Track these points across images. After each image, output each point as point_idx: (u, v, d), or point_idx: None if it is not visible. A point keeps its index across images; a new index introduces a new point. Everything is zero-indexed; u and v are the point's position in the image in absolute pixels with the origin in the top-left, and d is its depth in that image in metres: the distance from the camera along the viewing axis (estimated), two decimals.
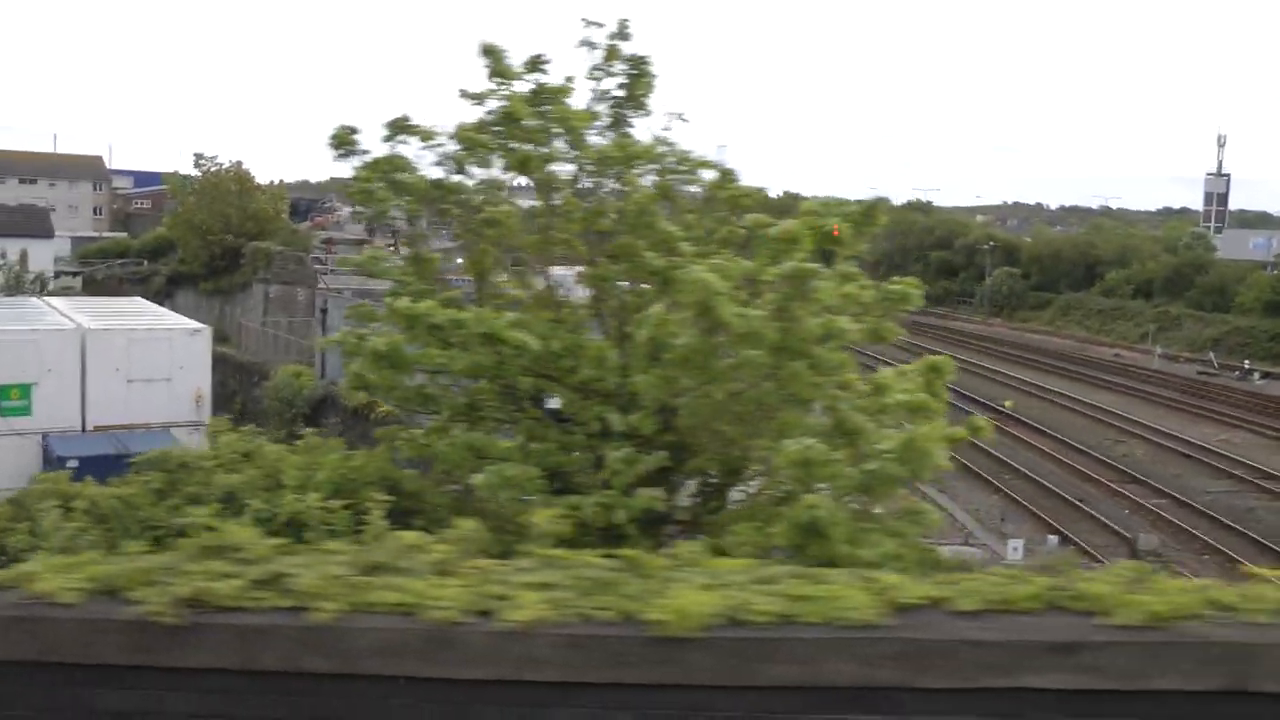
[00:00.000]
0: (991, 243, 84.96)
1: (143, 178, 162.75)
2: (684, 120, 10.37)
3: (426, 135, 9.67)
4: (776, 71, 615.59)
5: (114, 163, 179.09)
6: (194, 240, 55.58)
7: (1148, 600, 3.16)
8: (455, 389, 9.32)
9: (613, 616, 3.20)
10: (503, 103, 9.46)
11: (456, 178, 9.92)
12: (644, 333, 8.04)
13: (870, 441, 7.63)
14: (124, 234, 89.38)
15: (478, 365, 8.49)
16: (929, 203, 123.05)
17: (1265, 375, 57.00)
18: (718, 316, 7.53)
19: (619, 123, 10.20)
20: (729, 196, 10.69)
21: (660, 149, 9.98)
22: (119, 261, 69.62)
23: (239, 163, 57.50)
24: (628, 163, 9.36)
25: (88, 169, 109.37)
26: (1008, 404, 46.86)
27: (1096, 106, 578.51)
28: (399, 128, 9.71)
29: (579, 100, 10.08)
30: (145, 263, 68.01)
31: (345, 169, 10.37)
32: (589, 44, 9.91)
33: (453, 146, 9.62)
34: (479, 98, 9.64)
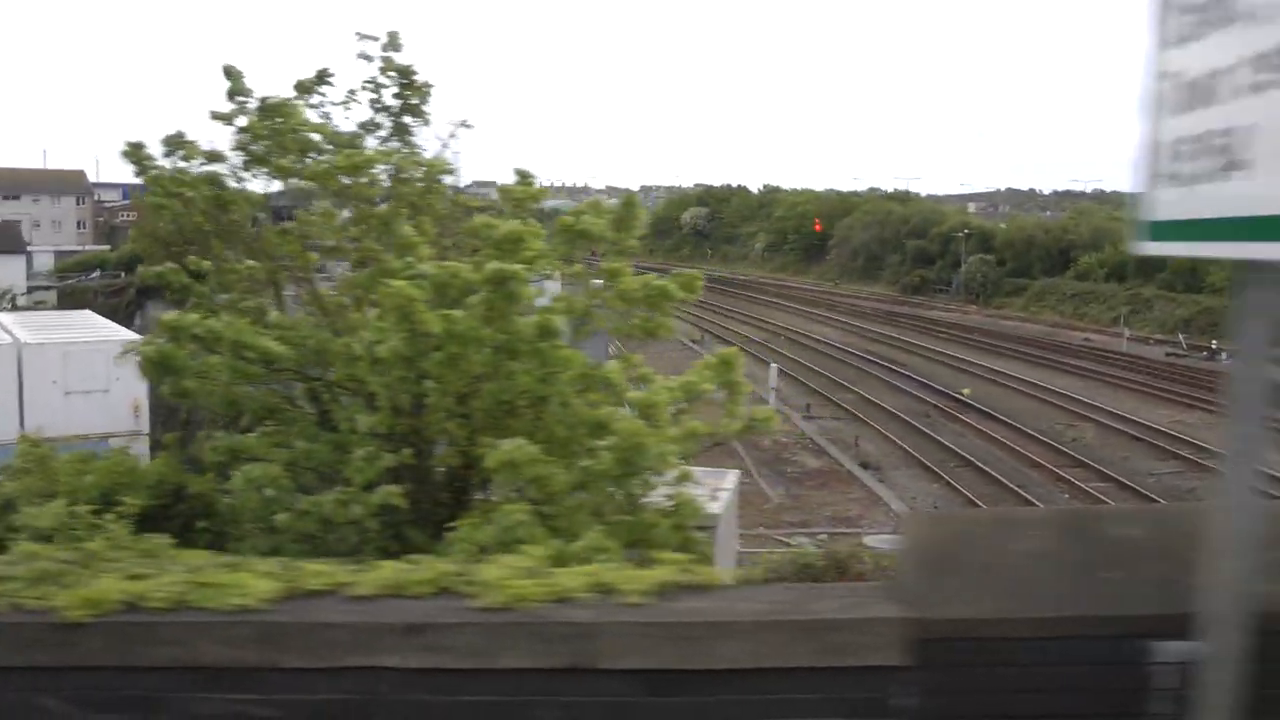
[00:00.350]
0: (966, 230, 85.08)
1: (131, 190, 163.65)
2: (468, 127, 10.57)
3: (195, 153, 9.90)
4: (757, 62, 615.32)
5: (101, 176, 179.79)
6: (158, 251, 55.68)
7: (518, 585, 3.34)
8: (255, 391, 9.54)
9: (39, 605, 3.41)
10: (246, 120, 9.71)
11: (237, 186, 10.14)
12: (362, 337, 8.30)
13: (597, 440, 7.78)
14: (106, 247, 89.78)
15: (241, 371, 8.72)
16: (908, 191, 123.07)
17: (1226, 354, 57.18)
18: (417, 321, 7.72)
19: (401, 132, 10.45)
20: (461, 201, 10.98)
21: (397, 157, 10.19)
22: (94, 275, 69.90)
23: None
24: (355, 171, 9.53)
25: (71, 184, 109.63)
26: (965, 391, 47.07)
27: (1090, 87, 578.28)
28: (175, 144, 9.95)
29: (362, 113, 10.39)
30: (121, 274, 68.22)
31: None
32: (365, 56, 10.19)
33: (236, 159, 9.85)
34: (227, 118, 9.90)
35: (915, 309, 79.20)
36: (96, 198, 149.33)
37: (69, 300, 63.98)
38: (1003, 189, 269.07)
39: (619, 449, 7.44)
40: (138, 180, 10.81)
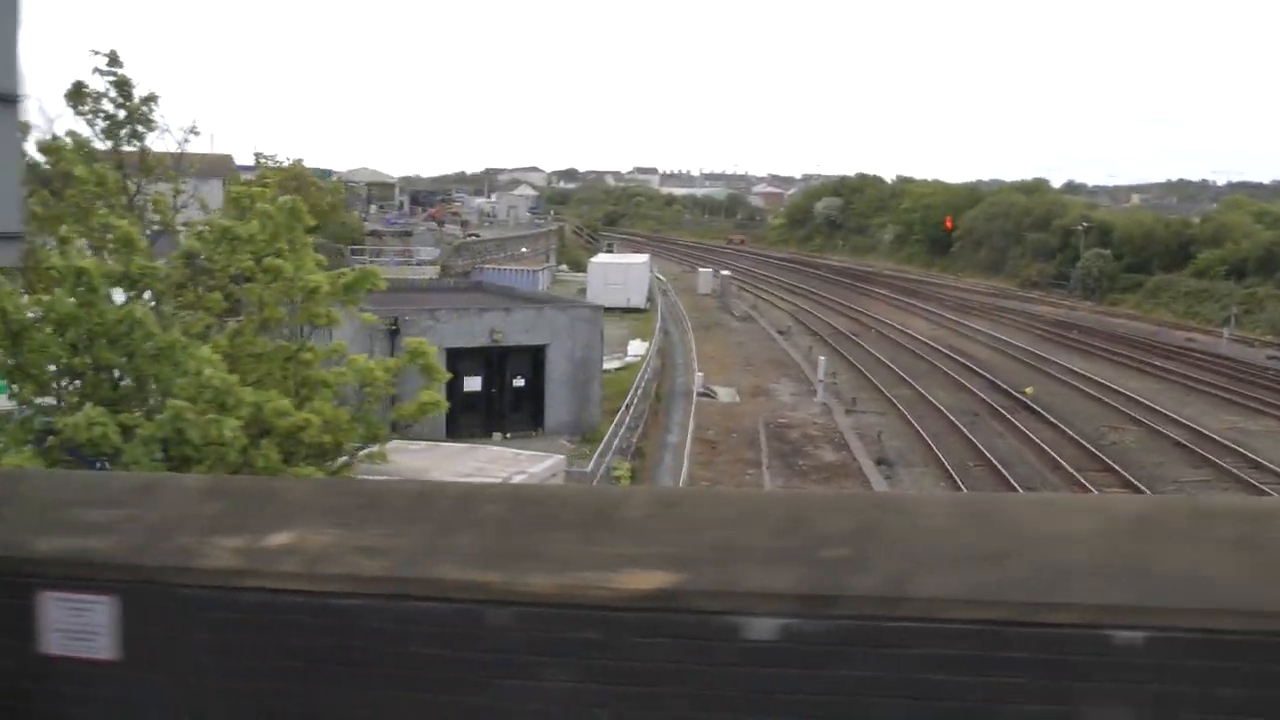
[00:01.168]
0: (1085, 223, 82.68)
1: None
2: (196, 134, 11.83)
3: None
4: (915, 49, 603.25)
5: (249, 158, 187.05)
6: None
7: None
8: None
9: None
10: None
11: None
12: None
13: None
14: None
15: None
16: (1044, 180, 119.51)
17: None
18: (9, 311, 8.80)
19: (135, 138, 11.55)
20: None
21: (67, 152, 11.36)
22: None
23: (299, 160, 60.41)
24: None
25: (217, 166, 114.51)
26: (1028, 390, 46.19)
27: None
28: None
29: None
30: None
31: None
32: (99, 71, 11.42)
33: None
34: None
35: (1025, 303, 77.44)
36: None
37: None
38: (1173, 179, 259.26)
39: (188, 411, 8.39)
40: None
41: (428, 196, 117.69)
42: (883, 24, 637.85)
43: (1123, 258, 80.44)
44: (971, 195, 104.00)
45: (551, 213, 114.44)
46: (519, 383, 32.61)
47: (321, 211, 60.74)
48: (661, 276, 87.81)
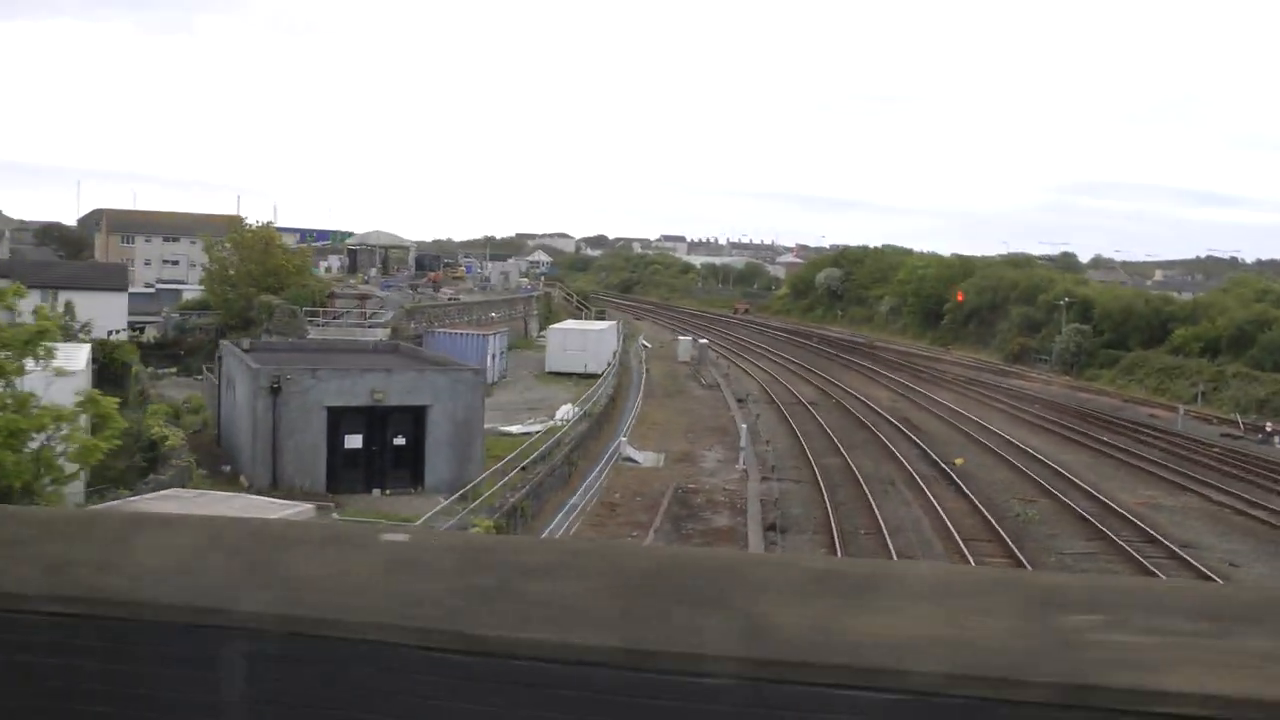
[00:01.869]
0: (1067, 299, 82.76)
1: (307, 235, 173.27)
2: None
3: None
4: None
5: (281, 221, 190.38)
6: (225, 293, 60.11)
7: None
8: None
9: None
10: None
11: None
12: None
13: None
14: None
15: None
16: (1062, 256, 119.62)
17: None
18: None
19: None
20: None
21: None
22: (191, 314, 74.35)
23: (268, 223, 61.83)
24: None
25: (228, 226, 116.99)
26: (958, 461, 46.28)
27: None
28: None
29: None
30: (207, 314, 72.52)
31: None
32: None
33: None
34: None
35: (1001, 377, 77.47)
36: None
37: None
38: (1203, 256, 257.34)
39: None
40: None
41: (433, 260, 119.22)
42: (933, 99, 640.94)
43: (1103, 333, 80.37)
44: (964, 267, 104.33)
45: (540, 280, 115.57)
46: (400, 441, 33.23)
47: (286, 272, 62.25)
48: (648, 343, 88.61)
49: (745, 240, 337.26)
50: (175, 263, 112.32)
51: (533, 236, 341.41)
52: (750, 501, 38.34)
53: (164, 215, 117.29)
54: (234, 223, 66.45)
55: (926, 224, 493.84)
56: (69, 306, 60.14)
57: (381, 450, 33.22)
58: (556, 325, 66.01)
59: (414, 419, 33.10)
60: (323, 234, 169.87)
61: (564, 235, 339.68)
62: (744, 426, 45.97)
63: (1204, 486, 43.41)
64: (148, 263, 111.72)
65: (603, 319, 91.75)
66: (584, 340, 61.01)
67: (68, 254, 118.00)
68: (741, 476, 42.52)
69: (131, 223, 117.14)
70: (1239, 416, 58.24)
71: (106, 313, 67.47)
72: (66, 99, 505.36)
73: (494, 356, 55.16)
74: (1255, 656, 2.19)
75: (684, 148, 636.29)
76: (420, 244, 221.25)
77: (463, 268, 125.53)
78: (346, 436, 32.46)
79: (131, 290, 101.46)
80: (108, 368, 52.06)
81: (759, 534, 34.56)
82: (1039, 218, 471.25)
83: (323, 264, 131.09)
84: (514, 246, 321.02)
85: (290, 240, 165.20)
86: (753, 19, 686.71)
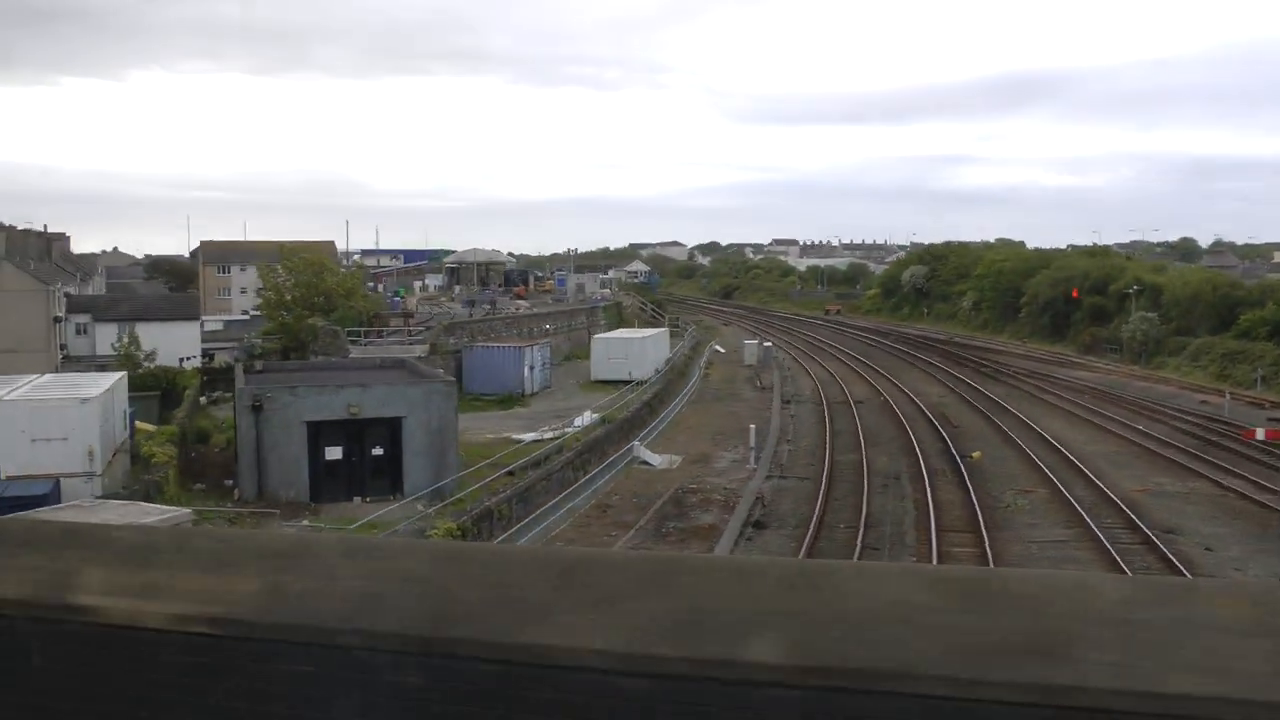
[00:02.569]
0: (1136, 287, 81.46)
1: (412, 255, 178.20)
2: None
3: None
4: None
5: (383, 243, 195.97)
6: (281, 318, 63.18)
7: None
8: None
9: None
10: None
11: None
12: None
13: None
14: None
15: None
16: (1106, 247, 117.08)
17: None
18: None
19: None
20: None
21: None
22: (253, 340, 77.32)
23: (327, 244, 64.68)
24: None
25: (320, 253, 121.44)
26: (975, 455, 46.54)
27: None
28: None
29: None
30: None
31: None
32: None
33: None
34: None
35: (1065, 369, 76.66)
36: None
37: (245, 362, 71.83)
38: None
39: None
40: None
41: (519, 275, 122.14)
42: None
43: (1171, 320, 78.96)
44: (1041, 260, 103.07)
45: (612, 289, 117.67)
46: (378, 451, 35.18)
47: (336, 295, 65.04)
48: (721, 348, 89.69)
49: (859, 241, 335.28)
50: (195, 294, 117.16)
51: (646, 246, 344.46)
52: (744, 501, 39.32)
53: (258, 244, 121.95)
54: (289, 250, 69.40)
55: (1048, 218, 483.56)
56: (134, 337, 63.96)
57: (361, 460, 35.21)
58: (600, 335, 67.52)
59: (390, 430, 35.02)
60: (422, 254, 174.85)
61: (676, 244, 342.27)
62: (752, 427, 46.84)
63: (1219, 472, 42.97)
64: (243, 290, 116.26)
65: (674, 326, 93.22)
66: (627, 348, 62.43)
67: (177, 285, 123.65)
68: (749, 475, 43.52)
69: (227, 253, 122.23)
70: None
71: (179, 341, 71.24)
72: (184, 137, 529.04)
73: (531, 368, 56.94)
74: None
75: (802, 150, 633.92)
76: (525, 258, 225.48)
77: (553, 280, 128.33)
78: (326, 448, 34.54)
79: (227, 318, 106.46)
80: (170, 393, 55.45)
81: (737, 531, 35.64)
82: (1173, 203, 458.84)
83: (418, 283, 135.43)
84: (627, 257, 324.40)
85: (393, 261, 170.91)
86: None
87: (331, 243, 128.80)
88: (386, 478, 35.43)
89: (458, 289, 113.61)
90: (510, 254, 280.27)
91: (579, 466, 42.43)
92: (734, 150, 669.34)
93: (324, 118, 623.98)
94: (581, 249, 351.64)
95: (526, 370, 56.15)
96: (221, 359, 72.66)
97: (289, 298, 64.06)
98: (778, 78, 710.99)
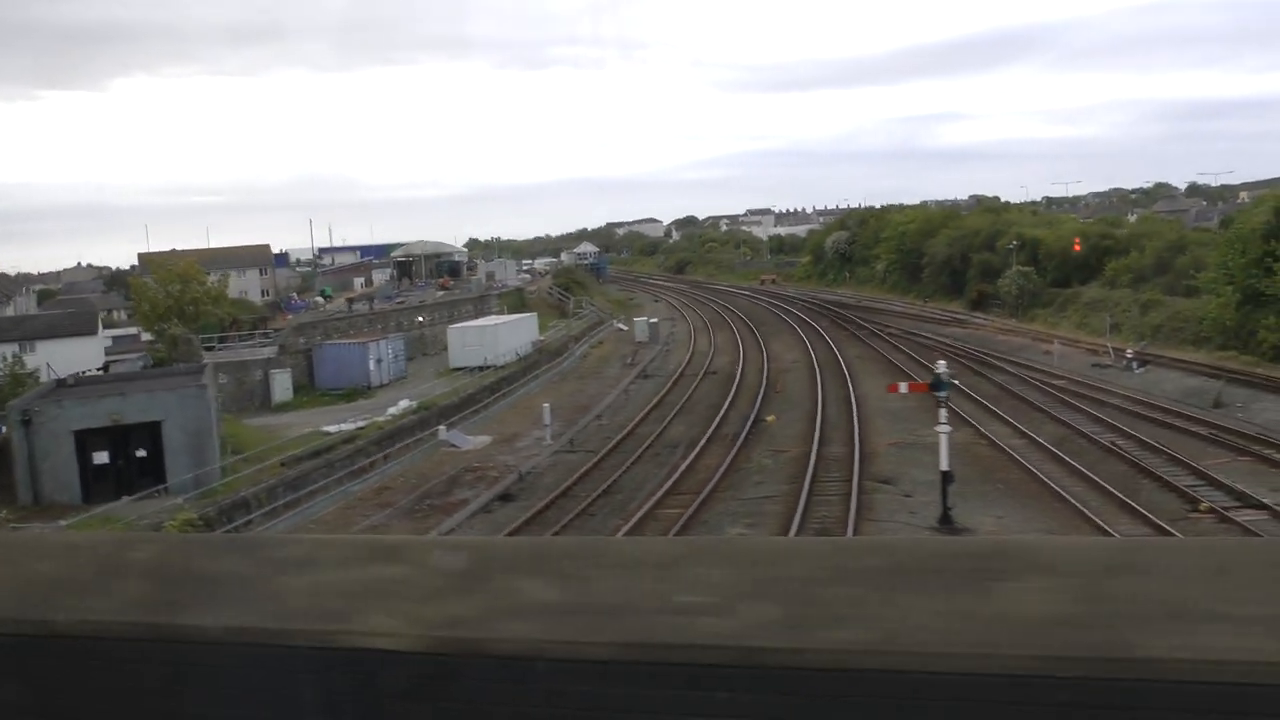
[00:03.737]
0: (1016, 242, 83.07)
1: (369, 250, 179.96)
2: None
3: None
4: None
5: (336, 241, 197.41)
6: (158, 327, 65.64)
7: None
8: None
9: None
10: None
11: None
12: None
13: None
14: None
15: None
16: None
17: (1144, 363, 55.00)
18: None
19: None
20: None
21: None
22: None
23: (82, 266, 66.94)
24: None
25: (255, 257, 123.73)
26: (769, 419, 48.42)
27: None
28: None
29: None
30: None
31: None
32: None
33: None
34: None
35: (943, 326, 78.38)
36: (330, 262, 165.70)
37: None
38: None
39: None
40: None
41: (449, 267, 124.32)
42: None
43: (1047, 273, 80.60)
44: (944, 218, 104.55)
45: (543, 273, 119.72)
46: (142, 453, 37.52)
47: (201, 302, 67.34)
48: (624, 326, 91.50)
49: (839, 206, 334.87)
50: (93, 311, 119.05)
51: (622, 225, 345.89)
52: (507, 475, 41.33)
53: (196, 252, 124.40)
54: (156, 262, 71.85)
55: (1042, 169, 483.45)
56: (18, 357, 66.13)
57: (127, 462, 37.52)
58: (455, 325, 69.56)
59: (151, 433, 37.33)
60: (379, 249, 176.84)
61: (653, 220, 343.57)
62: (546, 405, 48.77)
63: (994, 421, 44.77)
64: None
65: (578, 310, 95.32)
66: (481, 336, 64.41)
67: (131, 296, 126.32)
68: (541, 452, 45.54)
69: (166, 262, 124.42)
70: (1109, 346, 58.65)
71: (79, 357, 73.57)
72: (173, 143, 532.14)
73: (379, 361, 59.07)
74: None
75: (793, 118, 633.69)
76: (510, 243, 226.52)
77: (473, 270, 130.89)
78: (94, 454, 36.88)
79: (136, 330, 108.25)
80: None
81: (482, 504, 37.69)
82: (1170, 147, 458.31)
83: (359, 280, 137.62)
84: (605, 236, 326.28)
85: (351, 258, 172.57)
86: None
87: (266, 246, 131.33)
88: (151, 476, 37.66)
89: (404, 282, 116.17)
90: (488, 240, 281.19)
91: (371, 453, 44.55)
92: (724, 121, 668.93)
93: (312, 114, 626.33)
94: (561, 231, 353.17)
95: (373, 364, 58.25)
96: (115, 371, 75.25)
97: (160, 310, 66.33)
98: (764, 46, 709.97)
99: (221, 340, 61.19)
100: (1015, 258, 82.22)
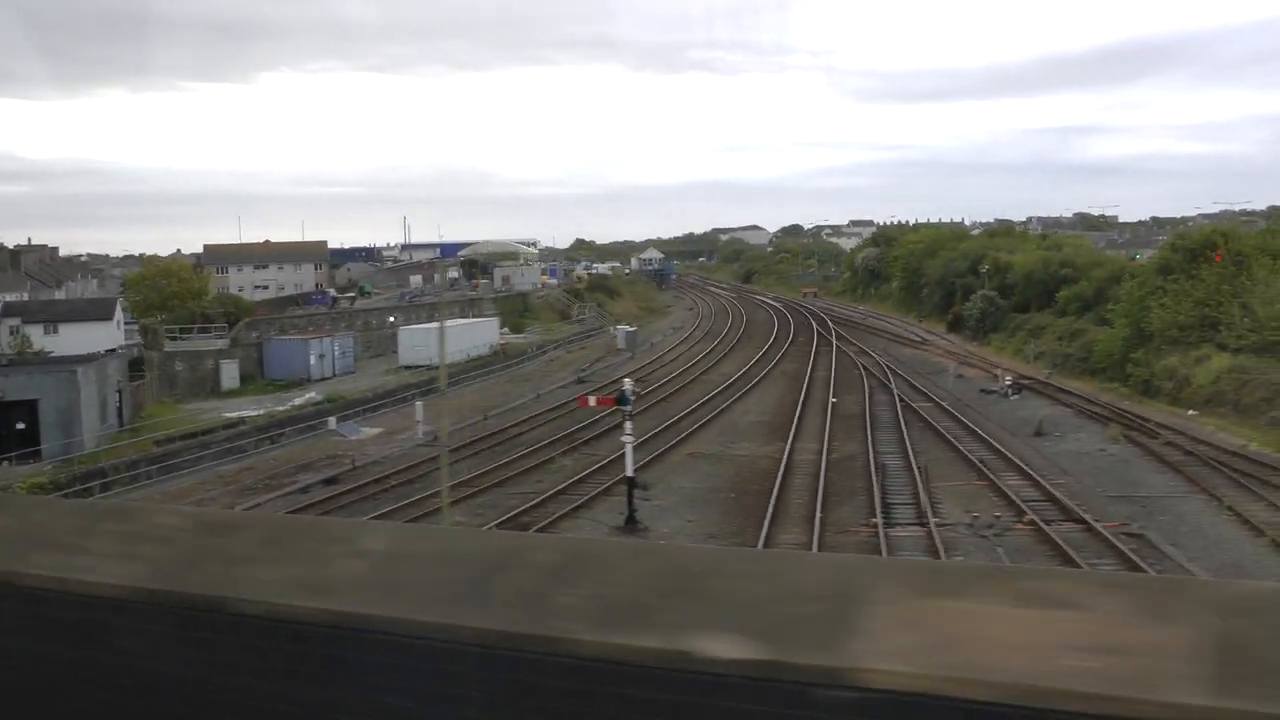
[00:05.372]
0: (986, 267, 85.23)
1: (448, 249, 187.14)
2: None
3: None
4: None
5: (413, 239, 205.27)
6: (143, 314, 72.66)
7: None
8: None
9: None
10: None
11: None
12: None
13: None
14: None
15: None
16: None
17: (1018, 390, 57.53)
18: None
19: None
20: None
21: None
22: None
23: (177, 251, 74.01)
24: None
25: (311, 253, 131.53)
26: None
27: None
28: None
29: None
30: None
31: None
32: None
33: None
34: None
35: (908, 346, 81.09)
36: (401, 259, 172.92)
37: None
38: None
39: None
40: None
41: (483, 269, 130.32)
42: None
43: (1012, 298, 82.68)
44: (952, 238, 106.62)
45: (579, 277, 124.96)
46: (21, 426, 43.64)
47: (185, 295, 74.00)
48: (628, 327, 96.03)
49: (962, 220, 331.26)
50: (265, 288, 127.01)
51: (727, 230, 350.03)
52: (361, 465, 46.27)
53: (257, 246, 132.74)
54: (147, 260, 79.08)
55: (1174, 186, 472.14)
56: (24, 337, 73.85)
57: (8, 433, 43.68)
58: (405, 326, 74.87)
59: (29, 409, 43.45)
60: (454, 248, 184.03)
61: (757, 228, 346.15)
62: (419, 403, 53.58)
63: (813, 439, 48.15)
64: (240, 289, 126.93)
65: (580, 316, 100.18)
66: (428, 337, 69.62)
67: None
68: (408, 445, 50.46)
69: (226, 254, 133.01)
70: (998, 372, 61.09)
71: (96, 339, 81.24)
72: (313, 136, 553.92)
73: (322, 356, 64.88)
74: None
75: (928, 128, 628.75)
76: (583, 245, 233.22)
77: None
78: None
79: None
80: None
81: (306, 485, 42.76)
82: None
83: (415, 277, 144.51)
84: (709, 242, 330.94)
85: (427, 255, 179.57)
86: None
87: (323, 243, 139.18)
88: (29, 446, 43.76)
89: (456, 281, 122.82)
90: (584, 242, 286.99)
91: (254, 438, 50.10)
92: (856, 130, 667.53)
93: (450, 110, 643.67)
94: (671, 234, 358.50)
95: (314, 359, 64.04)
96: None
97: (150, 301, 73.31)
98: (899, 56, 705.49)
99: (183, 332, 67.54)
100: (987, 282, 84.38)
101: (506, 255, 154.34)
